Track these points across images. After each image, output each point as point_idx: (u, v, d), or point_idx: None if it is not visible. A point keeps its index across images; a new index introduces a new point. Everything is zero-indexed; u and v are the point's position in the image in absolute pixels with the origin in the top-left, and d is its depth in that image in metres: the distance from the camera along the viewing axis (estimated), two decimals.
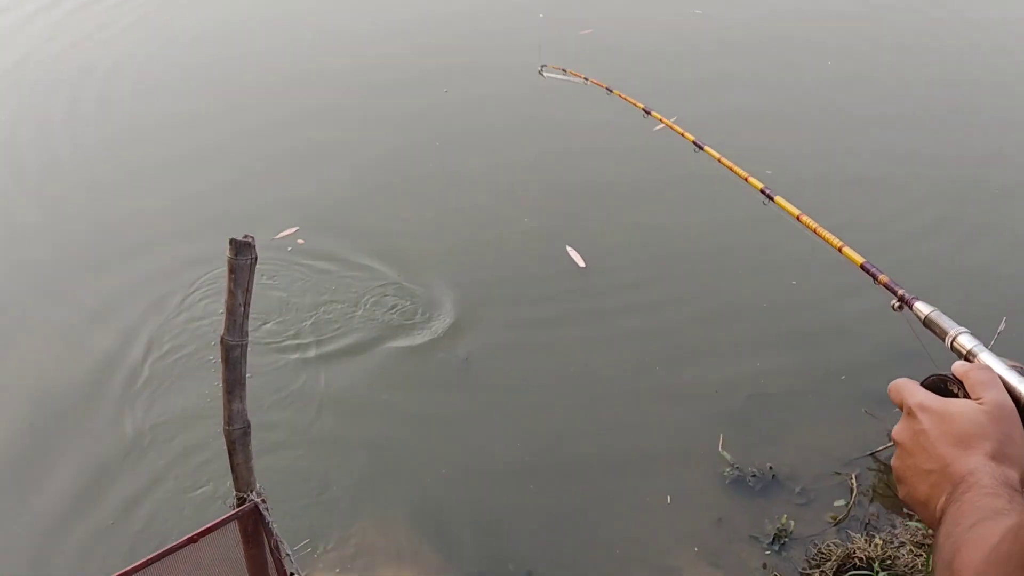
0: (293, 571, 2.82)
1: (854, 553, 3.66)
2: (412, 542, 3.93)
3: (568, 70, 4.45)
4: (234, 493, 2.40)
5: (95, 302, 5.36)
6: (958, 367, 0.95)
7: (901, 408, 0.93)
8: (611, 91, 4.02)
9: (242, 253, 2.21)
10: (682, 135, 3.18)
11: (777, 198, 2.44)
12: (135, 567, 2.17)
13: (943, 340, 1.18)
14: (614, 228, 5.88)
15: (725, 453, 4.23)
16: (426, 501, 4.12)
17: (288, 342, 4.97)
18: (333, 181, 6.50)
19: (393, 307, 5.21)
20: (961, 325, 1.16)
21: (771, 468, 4.18)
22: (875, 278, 1.81)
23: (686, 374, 4.73)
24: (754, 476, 4.16)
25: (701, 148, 3.06)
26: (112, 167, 6.79)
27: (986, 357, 1.02)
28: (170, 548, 2.23)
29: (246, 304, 2.27)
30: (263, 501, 2.39)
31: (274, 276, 5.41)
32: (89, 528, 3.98)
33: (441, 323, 5.08)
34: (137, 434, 4.43)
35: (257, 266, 2.24)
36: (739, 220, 5.75)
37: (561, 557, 3.85)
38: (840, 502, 4.01)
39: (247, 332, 2.29)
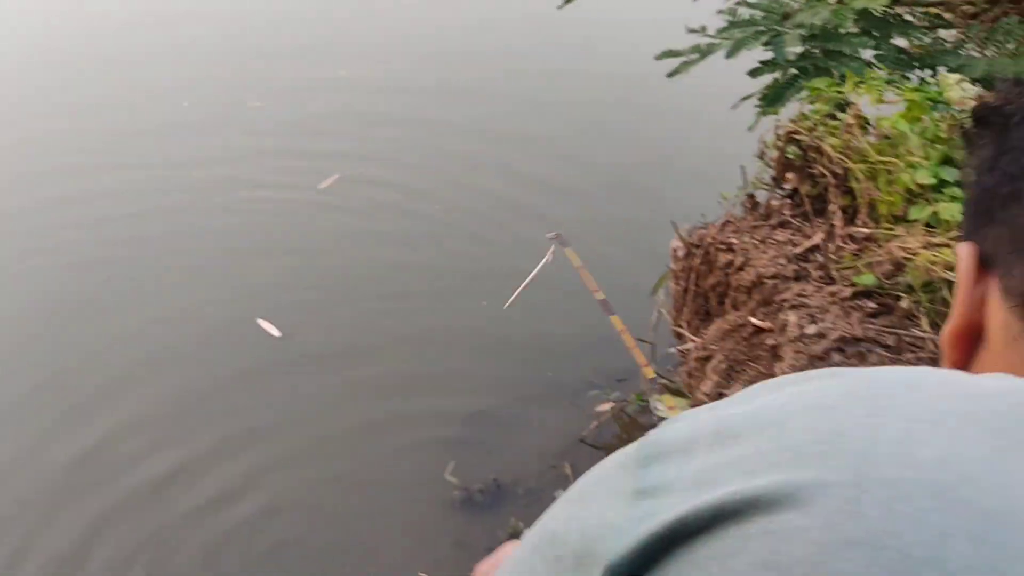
0: None
1: None
2: None
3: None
4: None
5: None
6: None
7: None
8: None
9: None
10: None
11: None
12: None
13: None
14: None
15: (451, 478, 4.33)
16: None
17: None
18: None
19: None
20: None
21: (495, 480, 4.35)
22: None
23: (407, 407, 4.78)
24: (480, 492, 4.30)
25: None
26: None
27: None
28: None
29: None
30: None
31: None
32: None
33: None
34: None
35: None
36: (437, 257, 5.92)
37: None
38: (559, 491, 4.21)
39: None
